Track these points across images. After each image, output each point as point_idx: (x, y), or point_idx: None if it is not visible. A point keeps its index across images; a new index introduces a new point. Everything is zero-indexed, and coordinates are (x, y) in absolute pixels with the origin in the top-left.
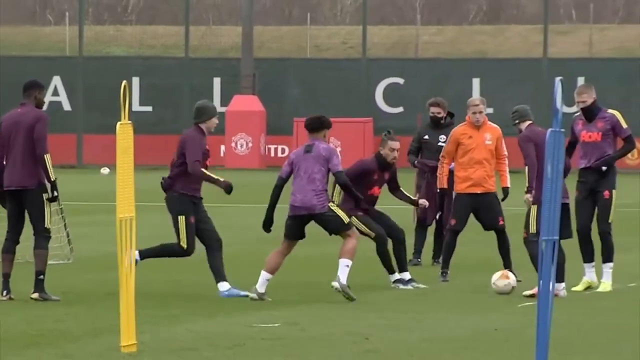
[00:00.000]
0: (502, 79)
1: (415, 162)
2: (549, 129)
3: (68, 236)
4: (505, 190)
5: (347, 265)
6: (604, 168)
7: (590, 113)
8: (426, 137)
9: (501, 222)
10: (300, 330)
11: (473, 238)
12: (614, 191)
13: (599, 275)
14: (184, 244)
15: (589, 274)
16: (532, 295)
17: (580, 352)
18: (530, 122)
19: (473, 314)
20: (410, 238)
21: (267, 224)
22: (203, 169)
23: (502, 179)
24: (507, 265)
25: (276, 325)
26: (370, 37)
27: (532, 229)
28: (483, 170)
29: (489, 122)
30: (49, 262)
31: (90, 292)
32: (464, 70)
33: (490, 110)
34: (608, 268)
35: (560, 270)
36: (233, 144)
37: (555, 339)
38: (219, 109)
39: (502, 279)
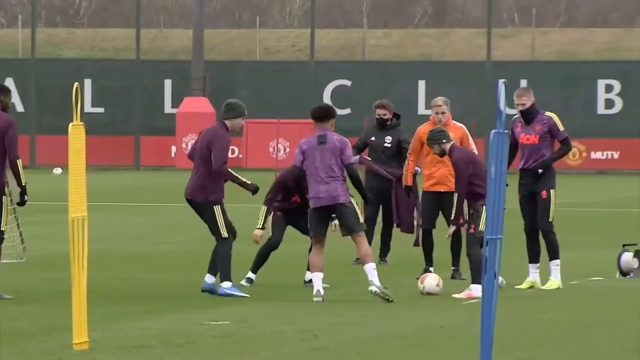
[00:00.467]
0: (446, 81)
1: (377, 167)
2: (493, 130)
3: (21, 235)
4: None
5: (374, 268)
6: (540, 171)
7: (528, 116)
8: (373, 138)
9: (461, 221)
10: (250, 327)
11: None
12: (552, 191)
13: (547, 273)
14: (225, 234)
15: (533, 274)
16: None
17: (524, 348)
18: (452, 142)
19: (419, 311)
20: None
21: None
22: (230, 170)
23: None
24: (456, 263)
25: (226, 322)
26: (318, 40)
27: (482, 227)
28: (446, 169)
29: (454, 122)
30: (2, 261)
31: (43, 290)
32: (410, 73)
33: None
34: (554, 265)
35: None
36: (184, 145)
37: (499, 336)
38: (170, 110)
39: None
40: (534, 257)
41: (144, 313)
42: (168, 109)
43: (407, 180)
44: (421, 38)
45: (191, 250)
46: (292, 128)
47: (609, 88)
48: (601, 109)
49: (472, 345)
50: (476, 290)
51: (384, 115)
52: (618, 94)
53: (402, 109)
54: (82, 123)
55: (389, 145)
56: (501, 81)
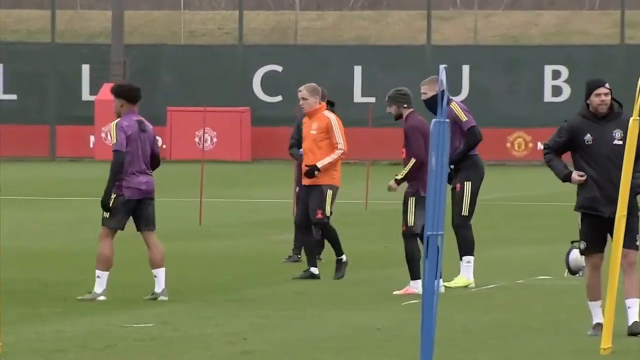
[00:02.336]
0: (384, 66)
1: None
2: (433, 119)
3: None
4: (312, 167)
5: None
6: (451, 166)
7: (433, 107)
8: None
9: (319, 216)
10: (173, 329)
11: (350, 233)
12: (467, 183)
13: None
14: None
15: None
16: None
17: (466, 350)
18: (412, 109)
19: (355, 312)
20: (290, 233)
21: (108, 203)
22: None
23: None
24: (338, 254)
25: (149, 325)
26: (247, 22)
27: (411, 221)
28: (308, 161)
29: (325, 112)
30: None
31: None
32: (345, 58)
33: (372, 99)
34: (465, 262)
35: (417, 267)
36: (103, 135)
37: (440, 338)
38: (88, 97)
39: None
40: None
41: (59, 315)
42: (86, 95)
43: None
44: (357, 20)
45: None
46: (219, 116)
47: (556, 74)
48: (548, 97)
49: (410, 347)
50: (415, 285)
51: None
52: (566, 81)
53: (337, 96)
54: None
55: None
56: (442, 67)
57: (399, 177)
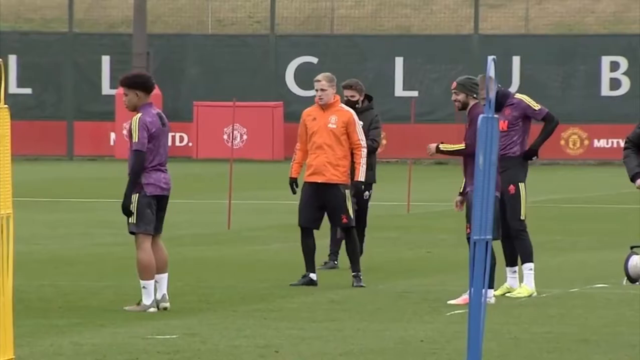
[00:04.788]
0: (427, 58)
1: None
2: (481, 115)
3: None
4: (356, 185)
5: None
6: (534, 158)
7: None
8: None
9: (345, 221)
10: (201, 342)
11: (390, 237)
12: (521, 184)
13: (520, 278)
14: None
15: (510, 279)
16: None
17: None
18: (478, 101)
19: (395, 323)
20: (327, 237)
21: (129, 206)
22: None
23: (355, 171)
24: (355, 269)
25: (173, 336)
26: (280, 10)
27: None
28: (324, 156)
29: (342, 105)
30: None
31: None
32: (385, 48)
33: (414, 93)
34: (527, 269)
35: (490, 275)
36: (124, 131)
37: (488, 352)
38: (108, 91)
39: None
40: (508, 259)
41: (77, 326)
42: (106, 89)
43: (291, 172)
44: (398, 8)
45: (131, 254)
46: (249, 112)
47: (614, 66)
48: (605, 90)
49: None
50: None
51: (352, 97)
52: (625, 73)
53: (377, 90)
54: (6, 106)
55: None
56: (490, 58)
57: (443, 148)
